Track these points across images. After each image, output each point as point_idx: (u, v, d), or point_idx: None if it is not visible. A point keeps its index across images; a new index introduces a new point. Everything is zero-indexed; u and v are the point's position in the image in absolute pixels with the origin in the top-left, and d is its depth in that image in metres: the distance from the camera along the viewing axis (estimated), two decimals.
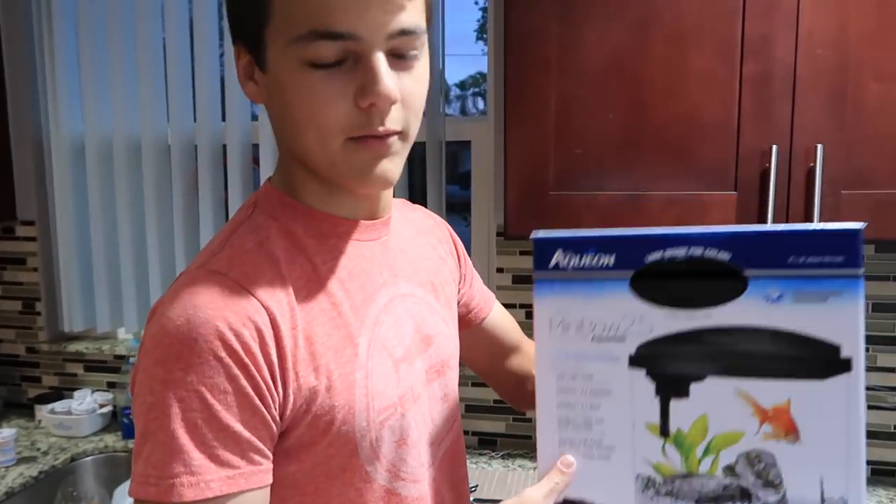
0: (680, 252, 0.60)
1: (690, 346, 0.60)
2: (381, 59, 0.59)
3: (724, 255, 0.59)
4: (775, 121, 1.09)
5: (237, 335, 0.56)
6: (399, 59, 0.61)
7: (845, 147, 1.07)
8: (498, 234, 1.59)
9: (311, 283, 0.63)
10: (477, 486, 1.43)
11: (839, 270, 0.56)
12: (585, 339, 0.63)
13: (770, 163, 1.08)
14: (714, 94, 1.11)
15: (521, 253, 1.57)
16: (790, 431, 0.59)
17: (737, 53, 1.10)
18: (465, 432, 1.60)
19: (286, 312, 0.60)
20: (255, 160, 1.73)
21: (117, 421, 1.76)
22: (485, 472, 1.49)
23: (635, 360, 0.62)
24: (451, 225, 0.89)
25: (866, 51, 1.06)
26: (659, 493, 0.63)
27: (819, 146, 1.06)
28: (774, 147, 1.07)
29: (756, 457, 0.60)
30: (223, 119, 1.73)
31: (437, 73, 1.60)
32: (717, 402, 0.60)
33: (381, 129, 0.60)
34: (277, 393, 0.58)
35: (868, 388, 1.40)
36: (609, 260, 0.62)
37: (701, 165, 1.13)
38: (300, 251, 0.65)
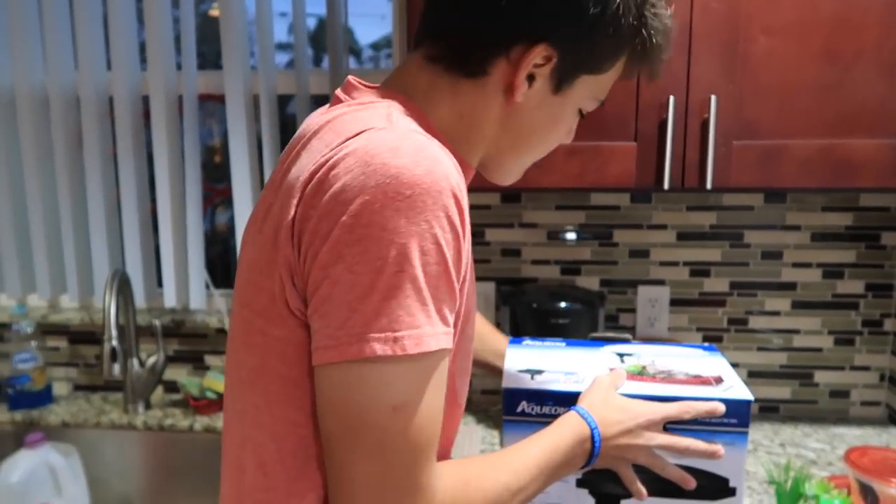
0: None
1: None
2: None
3: None
4: (672, 73, 1.12)
5: (463, 195, 0.58)
6: None
7: (736, 99, 1.11)
8: None
9: None
10: None
11: (733, 428, 0.81)
12: None
13: (667, 114, 1.10)
14: None
15: None
16: None
17: None
18: None
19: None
20: (146, 113, 1.62)
21: (3, 391, 1.65)
22: None
23: (581, 483, 0.86)
24: None
25: (755, 4, 1.09)
26: None
27: (713, 97, 1.09)
28: (671, 98, 1.10)
29: None
30: (108, 68, 1.61)
31: (340, 30, 1.55)
32: None
33: None
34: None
35: (756, 331, 1.49)
36: (563, 410, 0.80)
37: (602, 116, 1.14)
38: None
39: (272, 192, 0.62)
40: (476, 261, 1.56)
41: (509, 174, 0.78)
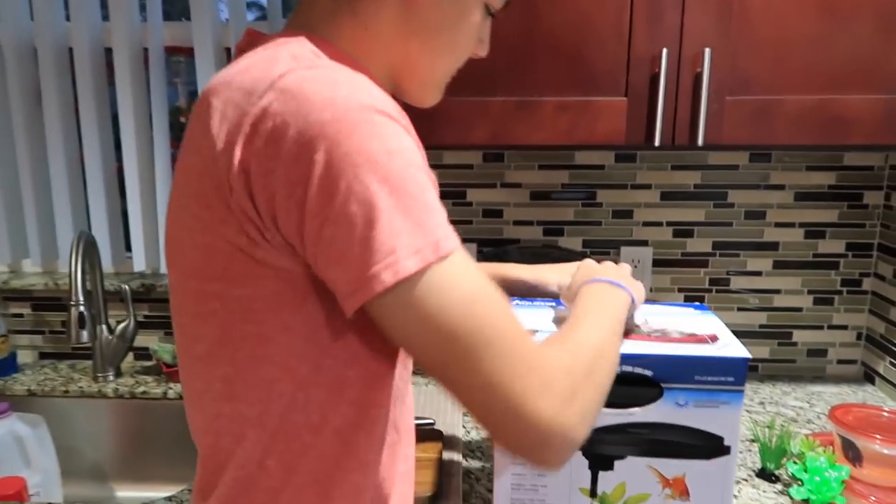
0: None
1: (618, 434, 0.84)
2: None
3: (648, 372, 0.81)
4: (666, 25, 1.08)
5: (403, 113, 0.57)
6: None
7: (730, 52, 1.08)
8: None
9: None
10: None
11: (729, 387, 0.81)
12: None
13: (660, 68, 1.07)
14: None
15: None
16: (683, 494, 0.84)
17: None
18: None
19: None
20: (109, 66, 1.53)
21: None
22: None
23: None
24: None
25: None
26: None
27: (707, 51, 1.05)
28: (665, 51, 1.06)
29: None
30: (67, 18, 1.52)
31: None
32: (633, 473, 0.85)
33: None
34: None
35: (735, 292, 1.49)
36: None
37: (593, 70, 1.10)
38: None
39: (195, 153, 0.58)
40: (457, 222, 1.53)
41: (426, 89, 0.74)
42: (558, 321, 0.89)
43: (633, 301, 0.80)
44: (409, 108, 1.13)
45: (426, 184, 0.54)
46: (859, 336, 1.53)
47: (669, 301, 1.52)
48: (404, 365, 0.69)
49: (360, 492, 0.64)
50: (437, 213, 0.54)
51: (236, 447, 0.61)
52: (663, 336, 0.86)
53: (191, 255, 0.59)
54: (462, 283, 0.54)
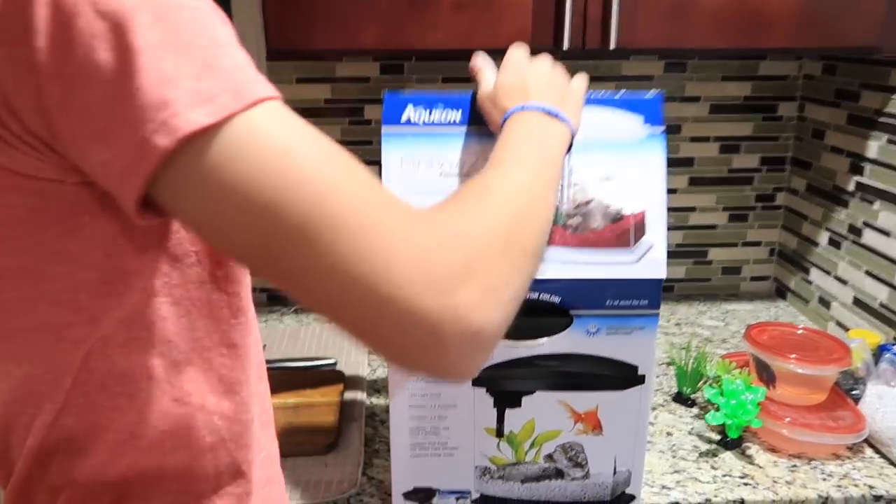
0: None
1: (525, 368, 0.76)
2: None
3: (556, 299, 0.73)
4: None
5: None
6: None
7: None
8: (269, 59, 1.33)
9: None
10: (266, 345, 1.28)
11: (643, 311, 0.73)
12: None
13: None
14: None
15: (300, 80, 1.34)
16: (596, 427, 0.78)
17: None
18: (254, 289, 1.44)
19: None
20: None
21: None
22: (276, 330, 1.35)
23: (477, 381, 0.76)
24: None
25: None
26: (493, 477, 0.81)
27: None
28: None
29: (569, 447, 0.79)
30: None
31: None
32: (542, 409, 0.77)
33: None
34: None
35: None
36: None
37: None
38: None
39: None
40: (353, 142, 1.38)
41: None
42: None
43: (571, 135, 0.65)
44: (285, 7, 0.98)
45: (210, 14, 0.40)
46: (772, 252, 1.51)
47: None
48: (227, 282, 0.54)
49: (196, 433, 0.51)
50: (234, 52, 0.40)
51: (31, 420, 0.48)
52: (582, 228, 0.74)
53: None
54: (276, 135, 0.40)
